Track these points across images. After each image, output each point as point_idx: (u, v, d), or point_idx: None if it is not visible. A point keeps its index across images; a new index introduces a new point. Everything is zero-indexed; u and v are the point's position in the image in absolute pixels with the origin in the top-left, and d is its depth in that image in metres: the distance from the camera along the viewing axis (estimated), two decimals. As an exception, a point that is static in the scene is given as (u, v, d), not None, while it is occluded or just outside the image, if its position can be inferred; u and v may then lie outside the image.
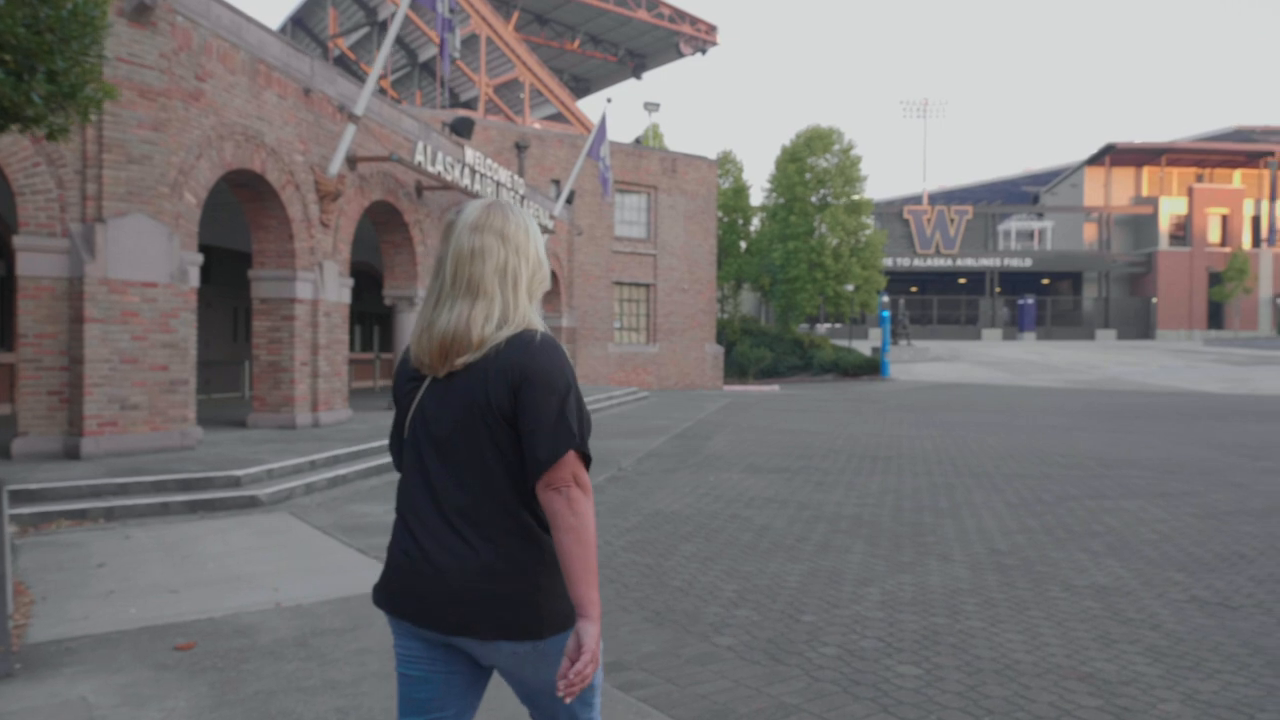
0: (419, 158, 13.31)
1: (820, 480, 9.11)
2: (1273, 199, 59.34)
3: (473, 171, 15.29)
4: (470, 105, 44.89)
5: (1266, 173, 59.63)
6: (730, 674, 3.65)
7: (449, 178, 14.27)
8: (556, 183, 25.57)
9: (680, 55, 47.97)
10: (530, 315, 1.72)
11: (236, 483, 7.60)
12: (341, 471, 8.71)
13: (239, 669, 3.67)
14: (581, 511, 1.63)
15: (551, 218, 20.12)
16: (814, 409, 19.83)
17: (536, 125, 35.77)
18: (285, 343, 11.39)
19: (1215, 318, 59.00)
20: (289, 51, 11.25)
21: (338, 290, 12.25)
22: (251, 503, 7.34)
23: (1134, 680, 3.58)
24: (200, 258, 9.48)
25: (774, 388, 30.55)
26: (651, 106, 33.30)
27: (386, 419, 12.81)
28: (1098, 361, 38.01)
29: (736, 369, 35.34)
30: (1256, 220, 60.02)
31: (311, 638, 4.07)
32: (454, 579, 1.66)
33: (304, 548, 5.96)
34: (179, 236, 9.08)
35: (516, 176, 17.68)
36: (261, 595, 4.75)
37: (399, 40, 41.58)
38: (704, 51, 48.31)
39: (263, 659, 3.79)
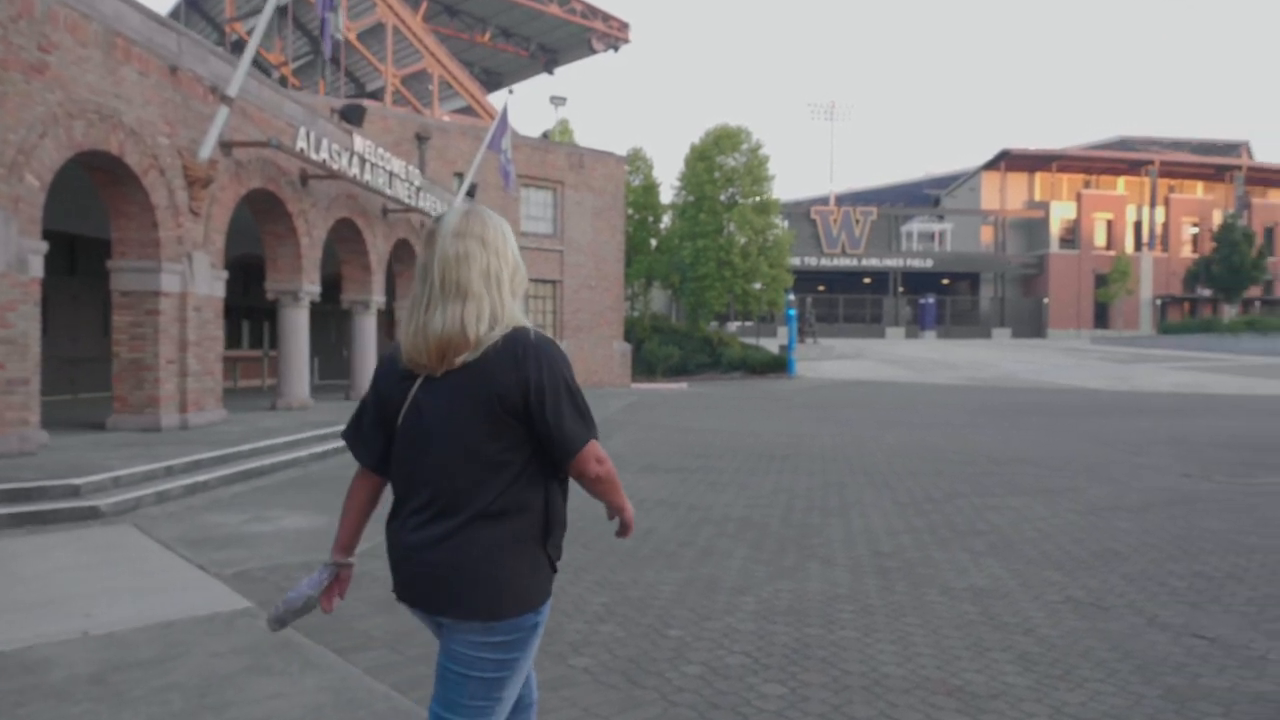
0: (301, 144, 12.61)
1: (715, 480, 8.91)
2: (1153, 205, 62.61)
3: (363, 161, 14.63)
4: (377, 96, 43.52)
5: (1147, 180, 62.87)
6: (581, 700, 3.34)
7: (335, 166, 13.60)
8: (460, 176, 24.89)
9: (592, 52, 47.57)
10: (516, 313, 1.85)
11: (75, 492, 6.92)
12: (202, 478, 8.08)
13: (11, 715, 3.17)
14: (611, 470, 1.88)
15: (451, 211, 19.51)
16: (719, 407, 19.78)
17: (446, 118, 34.85)
18: (149, 339, 10.59)
19: (1101, 318, 61.88)
20: (152, 25, 10.44)
21: (210, 283, 11.48)
22: (91, 514, 6.68)
23: (1003, 693, 3.42)
24: (44, 245, 8.65)
25: (682, 385, 30.51)
26: (558, 100, 32.85)
27: (266, 421, 12.09)
28: (994, 359, 39.33)
29: (645, 367, 35.21)
30: (1139, 225, 63.21)
31: (113, 673, 3.58)
32: (436, 562, 1.79)
33: (137, 565, 5.40)
34: (18, 221, 8.26)
35: (412, 168, 17.04)
36: (70, 622, 4.22)
37: (301, 27, 39.93)
38: (616, 49, 48.07)
39: (45, 701, 3.29)
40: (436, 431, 1.82)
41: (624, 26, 47.70)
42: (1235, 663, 3.77)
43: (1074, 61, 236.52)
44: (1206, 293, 57.99)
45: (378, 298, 16.84)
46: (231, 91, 10.91)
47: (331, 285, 16.90)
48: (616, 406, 19.24)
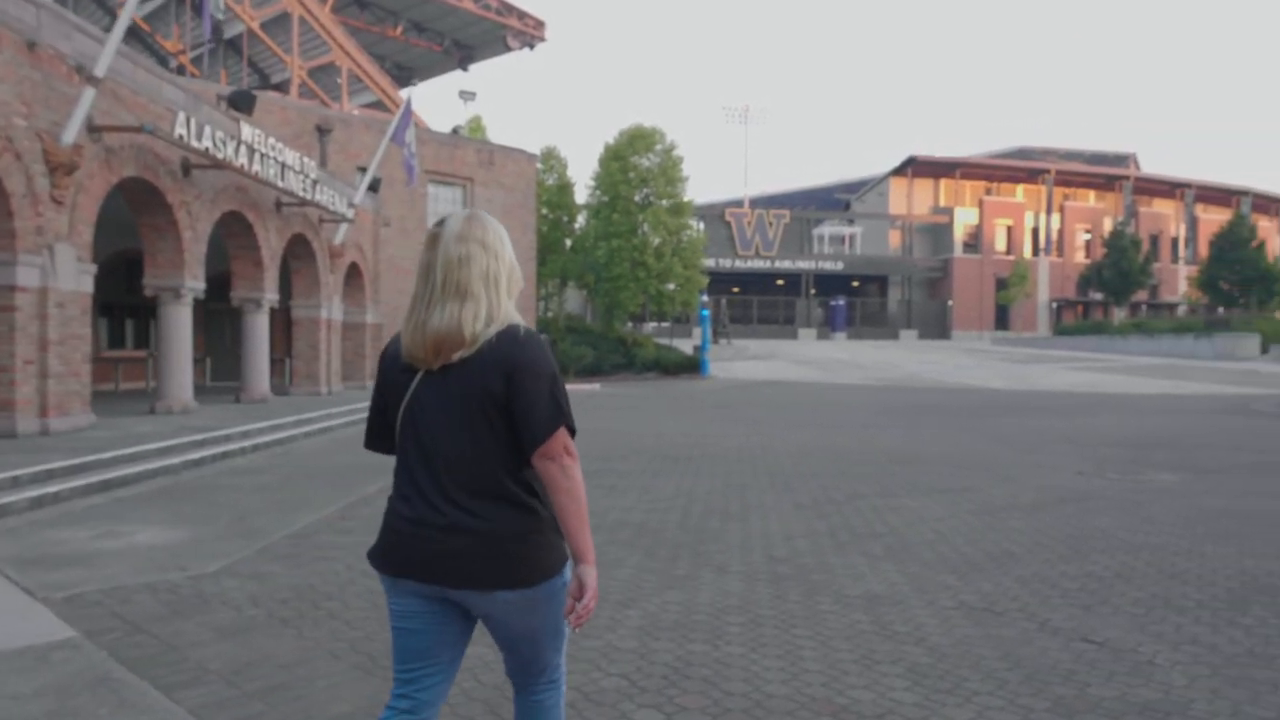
0: (180, 131, 11.83)
1: (615, 484, 8.64)
2: (1049, 212, 65.34)
3: (252, 151, 13.86)
4: (282, 88, 41.92)
5: (1044, 188, 65.58)
6: (433, 737, 3.00)
7: (220, 156, 12.83)
8: (364, 170, 24.04)
9: (508, 49, 46.86)
10: (511, 312, 1.97)
11: (-104, 508, 6.20)
12: (54, 489, 7.39)
13: None
14: (573, 475, 1.93)
15: (351, 206, 18.75)
16: (630, 407, 19.55)
17: (356, 112, 33.73)
18: (3, 338, 9.72)
19: (1002, 319, 64.22)
20: (6, -4, 9.58)
21: (76, 277, 10.63)
22: (-87, 532, 5.98)
23: (889, 712, 3.22)
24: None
25: (595, 386, 30.20)
26: (467, 95, 32.17)
27: (141, 425, 11.29)
28: (901, 360, 40.26)
29: (559, 367, 34.78)
30: (1036, 231, 65.89)
31: (-117, 723, 3.07)
32: (457, 540, 1.90)
33: (-47, 590, 4.80)
34: None
35: (307, 160, 16.29)
36: None
37: (201, 13, 38.07)
38: (532, 47, 47.47)
39: None
40: (438, 423, 1.95)
41: (540, 25, 47.14)
42: (1123, 669, 3.67)
43: (978, 72, 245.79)
44: (1098, 296, 60.81)
45: (270, 295, 16.03)
46: (99, 71, 10.12)
47: (225, 283, 16.02)
48: (525, 408, 18.81)
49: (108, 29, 10.64)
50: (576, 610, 1.94)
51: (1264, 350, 40.02)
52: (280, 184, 15.01)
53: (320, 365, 18.49)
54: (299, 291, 18.46)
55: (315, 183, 16.55)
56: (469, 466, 1.93)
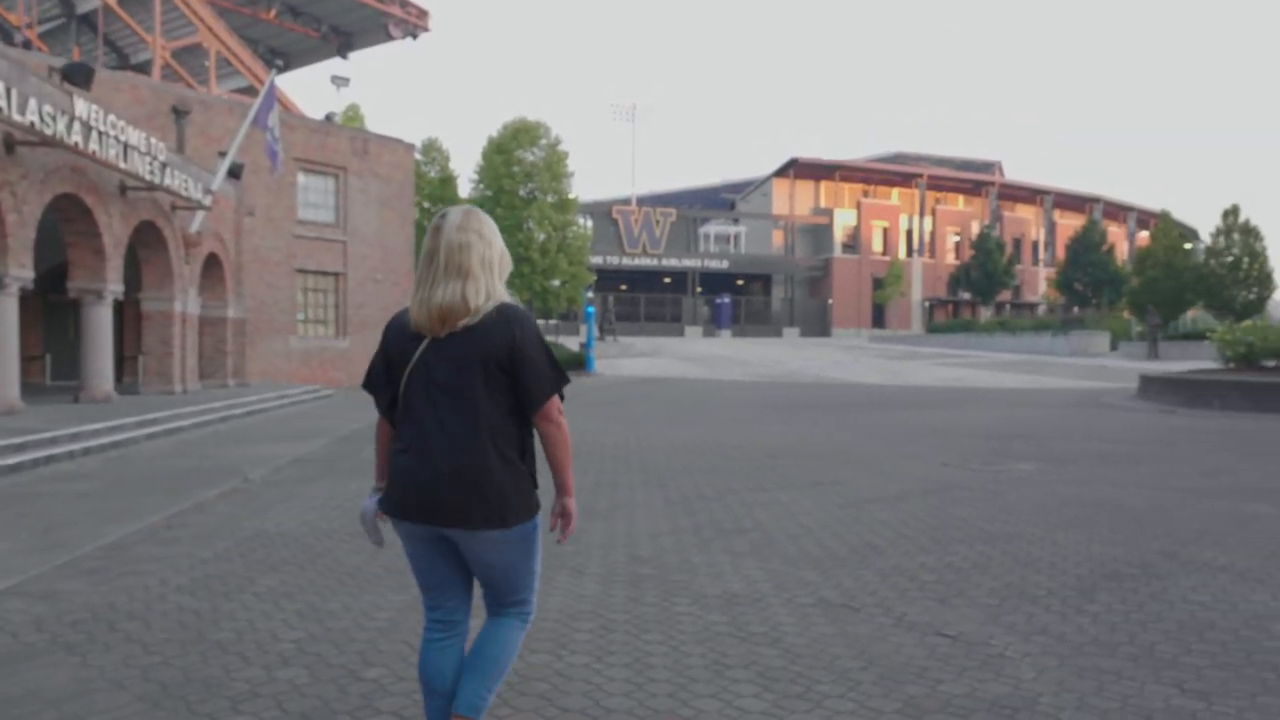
0: (0, 103, 10.70)
1: (480, 484, 8.23)
2: (922, 215, 68.16)
3: (88, 128, 12.71)
4: (143, 69, 39.24)
5: (917, 192, 68.34)
6: (214, 781, 2.60)
7: (49, 132, 11.70)
8: (225, 155, 22.65)
9: (390, 38, 45.36)
10: (502, 291, 2.38)
11: None
12: None
13: None
14: (564, 430, 2.41)
15: (208, 192, 17.56)
16: (508, 405, 19.06)
17: (226, 97, 31.82)
18: None
19: (879, 318, 66.57)
20: None
21: None
22: None
23: (734, 723, 3.01)
24: None
25: (477, 384, 29.52)
26: (340, 81, 30.88)
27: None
28: (783, 357, 41.07)
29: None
30: (910, 233, 68.62)
31: None
32: (450, 485, 2.26)
33: None
34: None
35: (156, 141, 15.11)
36: None
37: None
38: (415, 36, 46.11)
39: None
40: (442, 382, 2.28)
41: (423, 14, 45.83)
42: (975, 663, 3.58)
43: (858, 77, 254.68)
44: (967, 296, 63.81)
45: (113, 286, 14.81)
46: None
47: (67, 273, 14.69)
48: (399, 406, 18.09)
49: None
50: (561, 527, 2.47)
51: (1113, 347, 42.76)
52: (123, 165, 13.85)
53: (174, 363, 17.24)
54: (150, 283, 17.16)
55: (165, 166, 15.39)
56: (467, 419, 2.27)
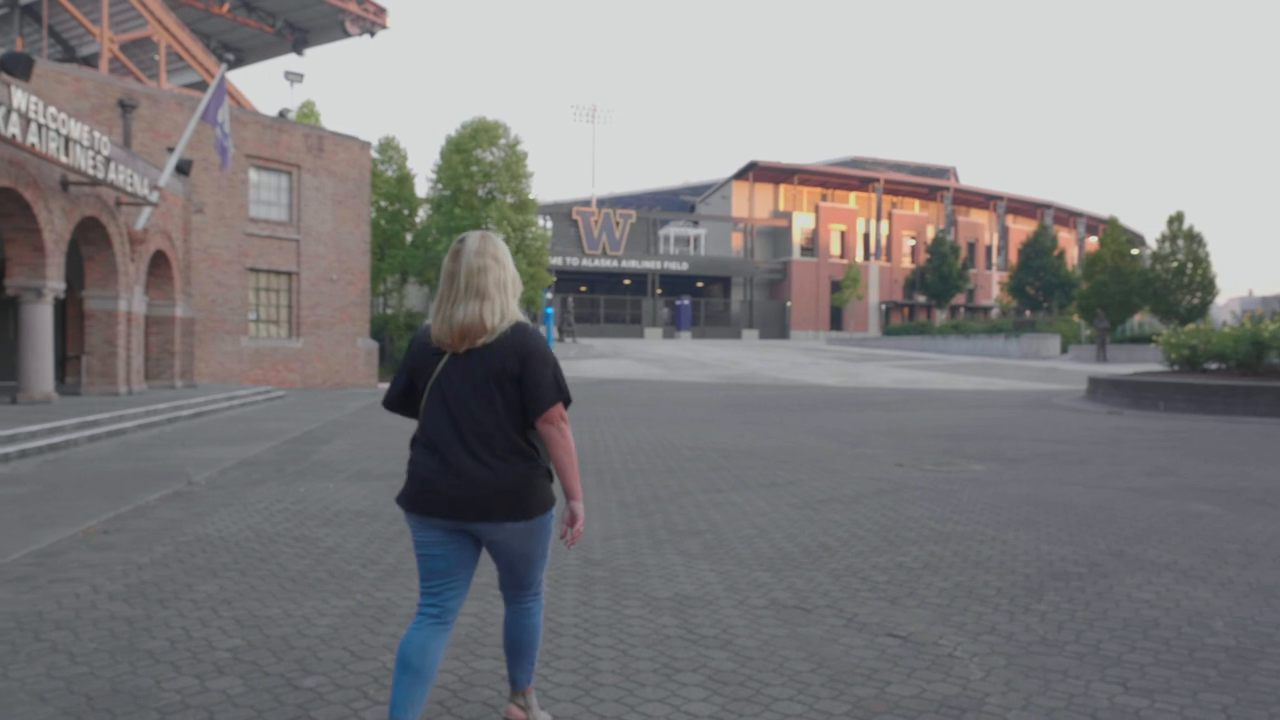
0: (-69, 92, 10.31)
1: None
2: (879, 219, 68.97)
3: (26, 120, 12.31)
4: (90, 62, 38.25)
5: (874, 196, 69.16)
6: (136, 798, 2.49)
7: (-16, 123, 11.30)
8: (173, 150, 22.12)
9: (347, 35, 44.65)
10: (516, 310, 2.60)
11: None
12: None
13: None
14: (566, 434, 2.62)
15: (155, 188, 17.11)
16: (465, 407, 18.86)
17: (175, 91, 31.11)
18: None
19: (836, 320, 67.23)
20: None
21: None
22: None
23: (681, 728, 2.96)
24: None
25: (434, 386, 29.21)
26: (294, 77, 30.31)
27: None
28: (741, 358, 41.24)
29: (396, 366, 33.46)
30: (867, 237, 69.40)
31: None
32: (477, 484, 2.50)
33: None
34: None
35: (99, 135, 14.68)
36: None
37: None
38: (373, 34, 45.45)
39: None
40: (463, 393, 2.52)
41: (381, 11, 45.18)
42: (924, 663, 3.58)
43: (817, 83, 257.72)
44: (922, 299, 64.72)
45: (54, 284, 14.35)
46: None
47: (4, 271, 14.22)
48: (352, 408, 17.79)
49: None
50: (570, 533, 2.62)
51: (1064, 350, 43.64)
52: (64, 159, 13.44)
53: (119, 363, 16.78)
54: (93, 281, 16.68)
55: (110, 160, 14.96)
56: (486, 427, 2.51)
